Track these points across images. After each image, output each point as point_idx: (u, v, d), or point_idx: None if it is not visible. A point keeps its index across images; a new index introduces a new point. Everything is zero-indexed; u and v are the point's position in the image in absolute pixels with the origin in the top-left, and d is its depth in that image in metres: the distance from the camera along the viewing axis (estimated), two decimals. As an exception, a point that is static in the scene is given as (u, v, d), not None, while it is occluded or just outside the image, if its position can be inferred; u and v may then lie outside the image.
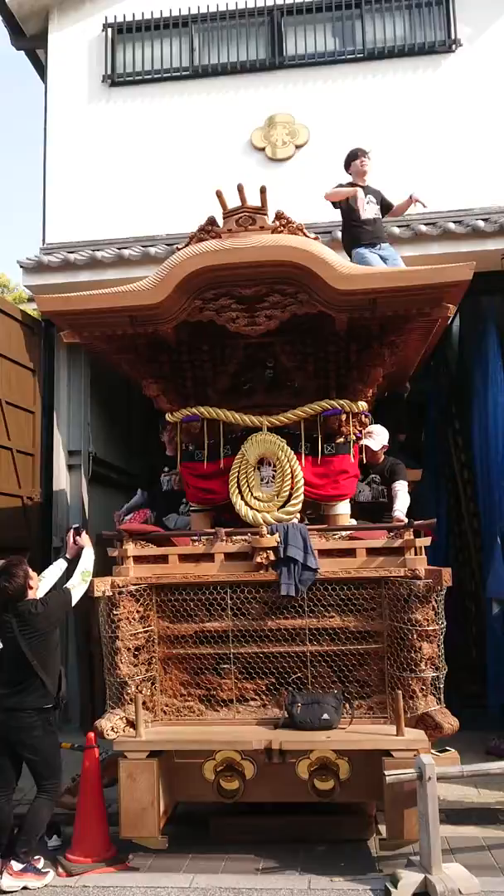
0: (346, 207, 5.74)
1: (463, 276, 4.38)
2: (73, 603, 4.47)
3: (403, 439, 6.64)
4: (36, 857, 4.23)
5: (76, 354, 7.40)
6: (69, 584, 4.49)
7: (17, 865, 4.11)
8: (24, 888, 4.08)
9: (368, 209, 5.70)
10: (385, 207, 5.86)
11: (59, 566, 4.77)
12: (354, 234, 5.73)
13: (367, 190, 5.76)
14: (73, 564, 4.75)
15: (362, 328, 4.78)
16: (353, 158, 5.80)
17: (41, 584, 4.53)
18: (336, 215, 5.97)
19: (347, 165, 5.86)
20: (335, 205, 5.83)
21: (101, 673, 4.76)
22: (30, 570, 4.38)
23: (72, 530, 4.88)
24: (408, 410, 7.19)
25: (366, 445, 5.16)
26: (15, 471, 7.12)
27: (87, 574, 4.55)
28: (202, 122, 7.61)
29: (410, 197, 5.84)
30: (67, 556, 4.82)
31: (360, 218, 5.66)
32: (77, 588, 4.48)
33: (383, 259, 5.58)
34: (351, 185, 5.76)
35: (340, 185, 5.78)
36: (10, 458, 7.06)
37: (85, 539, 4.79)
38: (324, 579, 4.49)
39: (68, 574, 4.71)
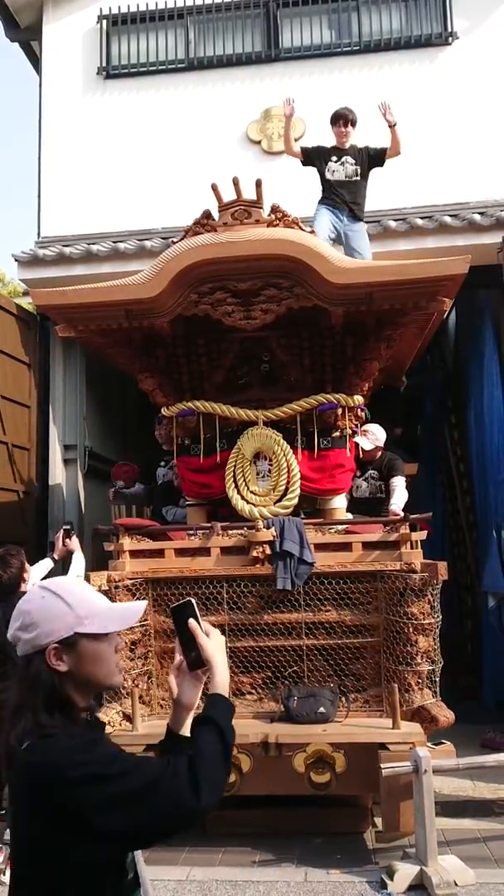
0: (317, 164, 5.77)
1: (459, 269, 4.38)
2: None
3: (399, 433, 6.64)
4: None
5: (72, 349, 7.37)
6: None
7: None
8: None
9: (339, 171, 5.67)
10: (375, 158, 5.71)
11: (45, 565, 4.72)
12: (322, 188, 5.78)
13: (347, 152, 5.69)
14: (58, 565, 4.74)
15: (358, 322, 4.77)
16: (334, 122, 5.75)
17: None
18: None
19: (333, 123, 5.81)
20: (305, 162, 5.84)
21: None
22: (26, 563, 4.37)
23: (62, 531, 4.84)
24: (404, 405, 7.18)
25: (357, 443, 5.15)
26: (11, 465, 7.11)
27: (79, 579, 4.52)
28: (198, 114, 7.57)
29: (391, 128, 5.62)
30: (55, 556, 4.79)
31: (324, 177, 5.69)
32: None
33: (343, 235, 5.52)
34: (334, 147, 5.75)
35: (303, 148, 5.86)
36: (6, 452, 7.05)
37: (75, 543, 4.75)
38: (320, 573, 4.50)
39: (56, 573, 4.70)
